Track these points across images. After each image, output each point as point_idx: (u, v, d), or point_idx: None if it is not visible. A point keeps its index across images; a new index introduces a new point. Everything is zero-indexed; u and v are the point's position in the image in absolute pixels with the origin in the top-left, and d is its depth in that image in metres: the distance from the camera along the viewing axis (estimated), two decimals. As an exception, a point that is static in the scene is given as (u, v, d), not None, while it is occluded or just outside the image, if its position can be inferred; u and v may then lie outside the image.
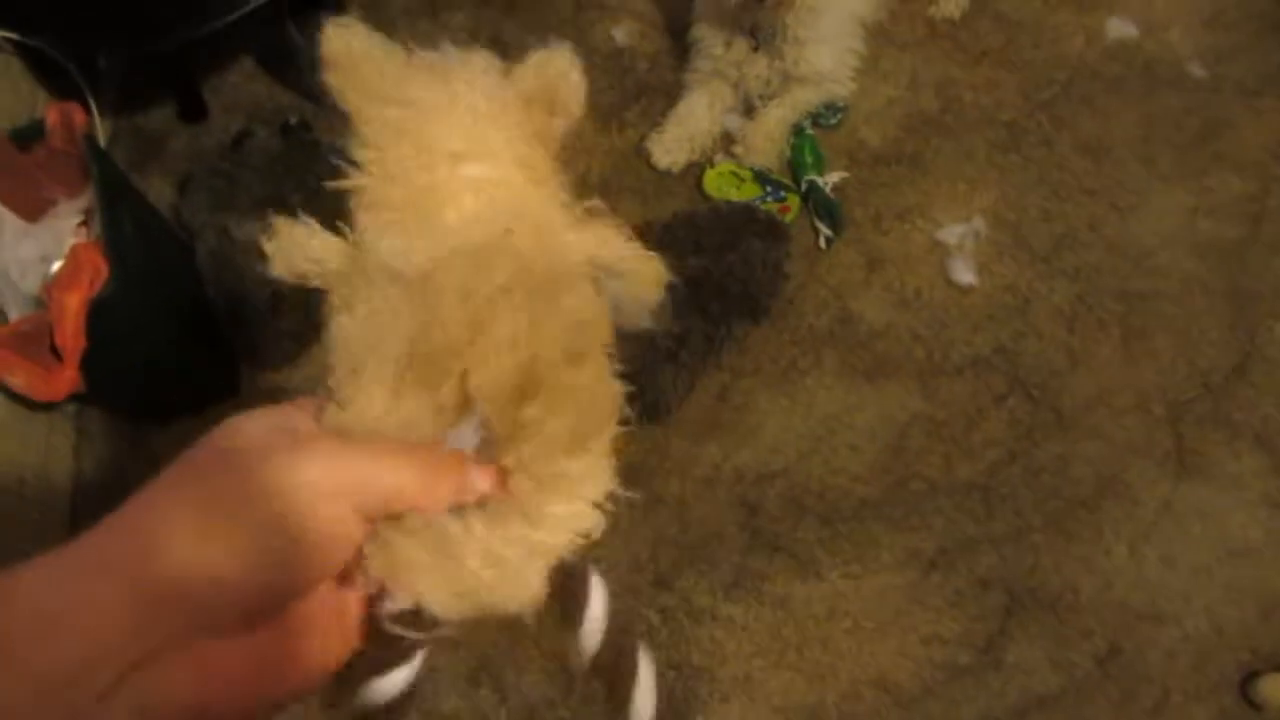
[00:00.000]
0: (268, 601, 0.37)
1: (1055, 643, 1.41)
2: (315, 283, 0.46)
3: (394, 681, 0.43)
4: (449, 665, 1.40)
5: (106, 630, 0.33)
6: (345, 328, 0.44)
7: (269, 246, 0.46)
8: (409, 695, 0.44)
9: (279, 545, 0.37)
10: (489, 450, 0.42)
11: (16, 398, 1.50)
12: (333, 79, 0.45)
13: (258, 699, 0.38)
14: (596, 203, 0.46)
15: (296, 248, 0.46)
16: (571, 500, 0.43)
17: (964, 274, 1.64)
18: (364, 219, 0.45)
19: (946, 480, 1.50)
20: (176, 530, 0.35)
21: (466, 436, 0.42)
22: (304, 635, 0.40)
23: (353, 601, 0.42)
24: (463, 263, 0.42)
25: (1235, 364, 1.58)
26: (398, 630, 0.42)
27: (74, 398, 1.57)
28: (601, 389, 0.43)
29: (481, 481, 0.42)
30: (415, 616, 0.41)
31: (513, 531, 0.41)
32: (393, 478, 0.40)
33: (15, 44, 1.70)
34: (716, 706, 1.37)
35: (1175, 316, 1.62)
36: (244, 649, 0.37)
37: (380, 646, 0.43)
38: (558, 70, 0.46)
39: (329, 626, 0.41)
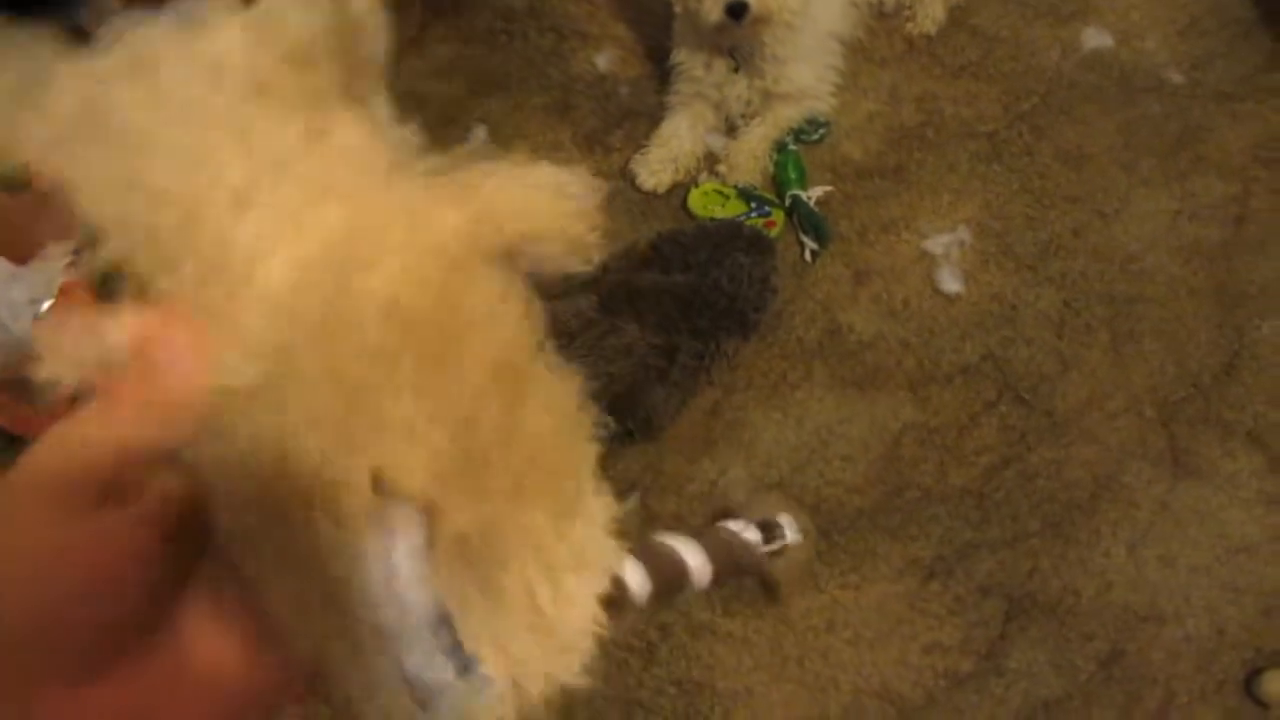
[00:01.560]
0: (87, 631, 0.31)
1: (1057, 647, 1.40)
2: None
3: None
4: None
5: None
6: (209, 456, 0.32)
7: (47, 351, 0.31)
8: None
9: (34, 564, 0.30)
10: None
11: (9, 440, 1.50)
12: None
13: None
14: (471, 146, 0.36)
15: (80, 345, 0.32)
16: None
17: (951, 283, 1.65)
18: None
19: (941, 488, 1.50)
20: None
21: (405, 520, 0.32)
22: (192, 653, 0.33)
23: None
24: (312, 351, 0.31)
25: (1224, 363, 1.58)
26: None
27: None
28: (554, 425, 0.35)
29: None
30: None
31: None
32: (97, 437, 0.31)
33: None
34: (719, 721, 1.37)
35: (1163, 318, 1.62)
36: (98, 701, 0.31)
37: None
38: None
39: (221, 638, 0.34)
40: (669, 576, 0.41)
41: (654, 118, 1.87)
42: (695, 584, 0.42)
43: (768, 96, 1.78)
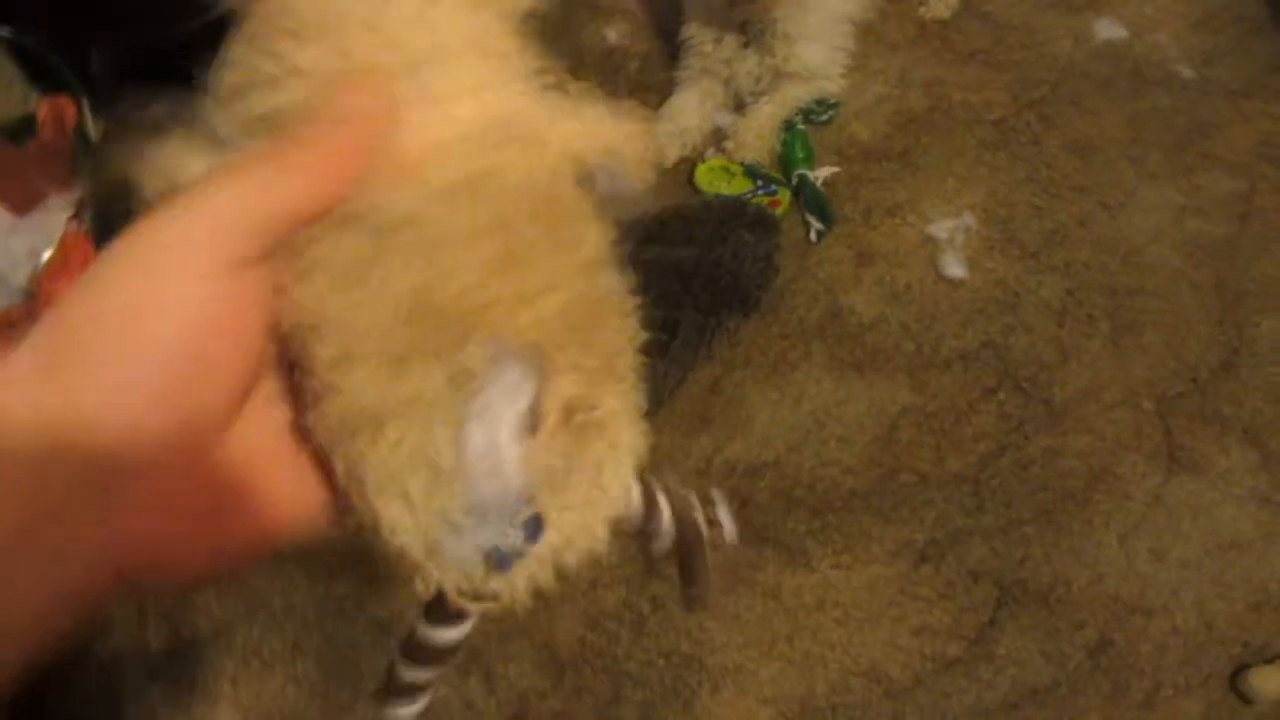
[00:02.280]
0: (177, 427, 0.30)
1: (1046, 634, 1.40)
2: None
3: (447, 635, 0.42)
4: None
5: None
6: (319, 296, 0.34)
7: (147, 180, 0.36)
8: (457, 647, 0.42)
9: (143, 349, 0.29)
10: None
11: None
12: None
13: (195, 557, 0.32)
14: (574, 83, 0.41)
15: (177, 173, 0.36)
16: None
17: (954, 268, 1.65)
18: None
19: (936, 472, 1.50)
20: (29, 385, 0.29)
21: (515, 386, 0.35)
22: (237, 473, 0.33)
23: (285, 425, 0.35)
24: (451, 204, 0.35)
25: (1223, 359, 1.59)
26: (461, 603, 0.39)
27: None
28: (618, 325, 0.39)
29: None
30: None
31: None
32: (275, 187, 0.32)
33: (5, 41, 1.70)
34: (706, 696, 1.37)
35: (1164, 312, 1.62)
36: (166, 501, 0.31)
37: (437, 605, 0.40)
38: None
39: (267, 462, 0.34)
40: (647, 515, 0.44)
41: (662, 93, 1.87)
42: (657, 541, 0.44)
43: (777, 75, 1.77)
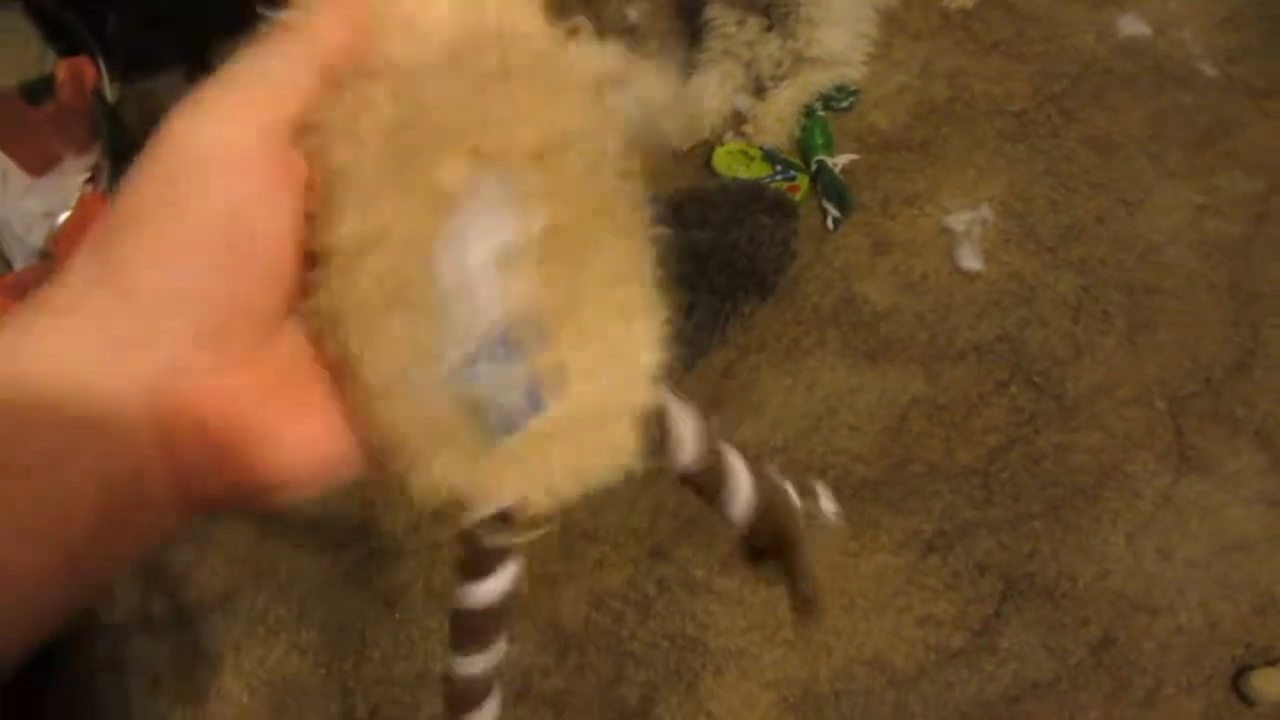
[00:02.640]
0: (230, 311, 0.30)
1: (1050, 629, 1.40)
2: None
3: (487, 590, 0.38)
4: (439, 633, 1.39)
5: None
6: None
7: None
8: (505, 604, 0.39)
9: (201, 229, 0.29)
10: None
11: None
12: None
13: (248, 455, 0.31)
14: (581, 20, 0.39)
15: None
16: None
17: (970, 260, 1.64)
18: None
19: (946, 464, 1.50)
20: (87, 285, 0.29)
21: (490, 209, 0.33)
22: (285, 378, 0.33)
23: None
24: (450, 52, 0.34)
25: (1237, 361, 1.58)
26: (485, 535, 0.36)
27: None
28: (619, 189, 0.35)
29: None
30: (504, 520, 0.35)
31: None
32: (299, 52, 0.32)
33: (25, 1, 1.69)
34: (709, 678, 1.37)
35: (1179, 311, 1.62)
36: (219, 394, 0.30)
37: (470, 553, 0.38)
38: None
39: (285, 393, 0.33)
40: (711, 463, 0.40)
41: (682, 74, 1.86)
42: (734, 502, 0.41)
43: (799, 60, 1.76)
